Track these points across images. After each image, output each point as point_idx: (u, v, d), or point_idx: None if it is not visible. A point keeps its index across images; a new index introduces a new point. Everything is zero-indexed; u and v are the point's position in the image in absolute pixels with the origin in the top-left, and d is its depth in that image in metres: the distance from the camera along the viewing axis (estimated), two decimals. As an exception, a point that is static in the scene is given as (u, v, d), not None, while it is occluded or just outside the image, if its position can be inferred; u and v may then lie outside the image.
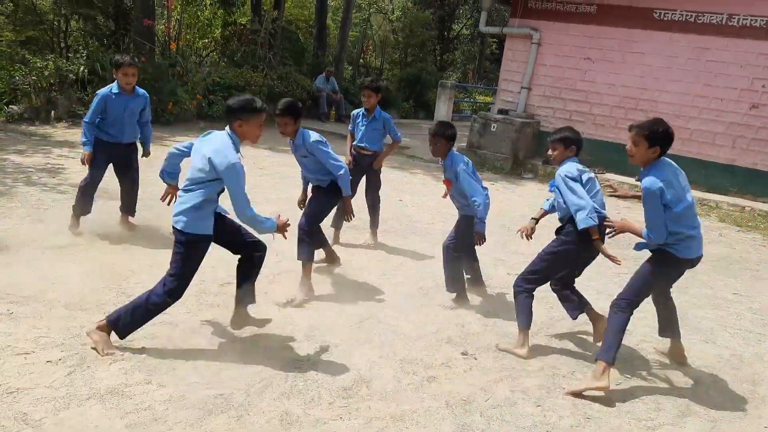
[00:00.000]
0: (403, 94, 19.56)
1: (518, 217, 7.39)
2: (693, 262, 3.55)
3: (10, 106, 9.78)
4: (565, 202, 3.74)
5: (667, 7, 9.80)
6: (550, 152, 3.94)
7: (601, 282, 5.22)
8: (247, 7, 16.65)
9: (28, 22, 13.66)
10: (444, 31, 25.33)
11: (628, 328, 3.93)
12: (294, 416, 2.96)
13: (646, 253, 3.59)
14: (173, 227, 3.34)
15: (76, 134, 8.73)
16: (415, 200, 7.95)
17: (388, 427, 2.96)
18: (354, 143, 5.79)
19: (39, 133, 9.09)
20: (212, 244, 3.46)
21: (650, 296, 3.75)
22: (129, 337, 3.49)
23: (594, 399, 3.42)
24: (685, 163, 3.99)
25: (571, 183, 3.69)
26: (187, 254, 3.33)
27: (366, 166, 5.77)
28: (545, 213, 4.24)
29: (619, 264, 3.66)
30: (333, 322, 3.96)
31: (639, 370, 3.85)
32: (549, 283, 4.04)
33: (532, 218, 4.26)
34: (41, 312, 3.70)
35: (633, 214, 7.82)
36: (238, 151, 3.27)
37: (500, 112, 11.37)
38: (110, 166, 5.33)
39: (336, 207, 5.03)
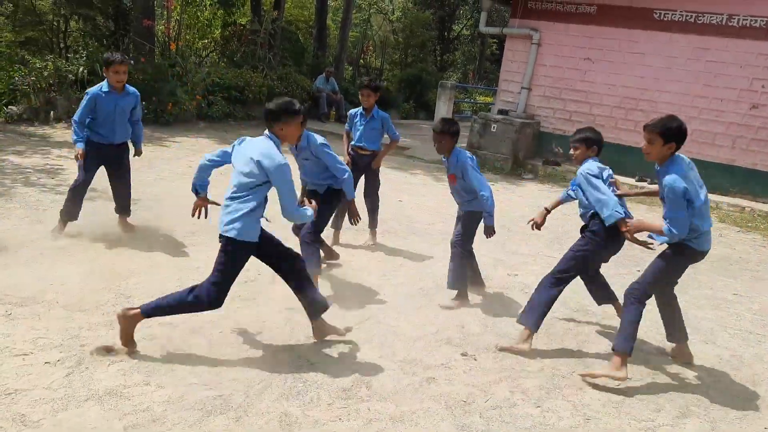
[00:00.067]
0: (403, 95, 19.56)
1: (518, 217, 7.38)
2: (704, 254, 3.65)
3: (9, 106, 9.77)
4: (587, 200, 3.84)
5: (667, 8, 9.80)
6: (571, 151, 4.03)
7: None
8: (246, 8, 16.64)
9: (27, 22, 13.65)
10: (444, 32, 25.34)
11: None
12: (293, 417, 2.95)
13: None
14: (223, 236, 3.31)
15: (76, 135, 8.73)
16: (414, 201, 7.95)
17: (387, 428, 2.95)
18: (352, 143, 5.78)
19: (38, 133, 9.08)
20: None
21: (655, 298, 3.80)
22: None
23: (593, 399, 3.41)
24: (684, 164, 3.99)
25: (594, 180, 3.78)
26: (233, 263, 3.32)
27: (364, 166, 5.77)
28: (559, 202, 4.35)
29: (653, 248, 3.73)
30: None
31: (638, 370, 3.84)
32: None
33: (545, 208, 4.35)
34: (40, 313, 3.69)
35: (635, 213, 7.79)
36: (281, 153, 3.29)
37: (500, 112, 11.37)
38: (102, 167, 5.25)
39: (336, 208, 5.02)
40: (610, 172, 3.93)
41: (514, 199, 8.53)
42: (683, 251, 3.58)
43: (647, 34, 10.01)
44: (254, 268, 4.85)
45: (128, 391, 3.00)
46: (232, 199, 3.31)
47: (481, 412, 3.18)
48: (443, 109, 13.67)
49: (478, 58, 27.18)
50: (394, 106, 17.94)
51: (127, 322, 3.30)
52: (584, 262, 3.95)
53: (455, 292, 4.60)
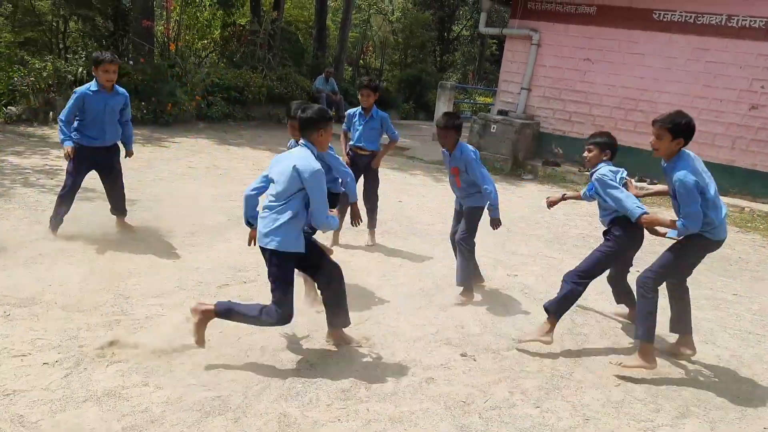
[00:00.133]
0: (403, 95, 19.58)
1: (518, 218, 7.38)
2: (720, 244, 3.70)
3: (8, 107, 9.78)
4: (606, 202, 3.91)
5: (667, 8, 9.80)
6: (585, 153, 4.07)
7: (603, 282, 5.20)
8: (246, 8, 16.66)
9: (26, 23, 13.67)
10: (444, 32, 25.36)
11: (627, 330, 4.14)
12: (292, 418, 2.94)
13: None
14: (264, 249, 3.31)
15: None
16: (414, 201, 7.94)
17: (386, 429, 2.94)
18: (351, 143, 5.78)
19: (37, 134, 9.09)
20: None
21: (667, 292, 3.91)
22: (126, 340, 3.49)
23: (593, 399, 3.41)
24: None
25: (609, 183, 3.84)
26: (284, 273, 3.32)
27: (363, 166, 5.76)
28: (577, 197, 4.41)
29: (675, 238, 3.79)
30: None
31: (638, 370, 3.83)
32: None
33: (563, 194, 4.43)
34: (38, 314, 3.69)
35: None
36: (317, 159, 3.32)
37: (500, 113, 11.37)
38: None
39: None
40: (624, 173, 3.98)
41: (513, 200, 8.52)
42: (697, 241, 3.64)
43: (647, 34, 10.01)
44: (253, 268, 4.86)
45: (127, 392, 2.99)
46: (269, 208, 3.31)
47: (480, 413, 3.17)
48: (443, 109, 13.64)
49: (477, 59, 27.20)
50: (394, 106, 17.95)
51: (202, 316, 3.32)
52: (607, 262, 4.04)
53: (456, 290, 4.62)
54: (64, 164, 6.70)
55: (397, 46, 24.07)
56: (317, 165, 3.24)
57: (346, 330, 3.75)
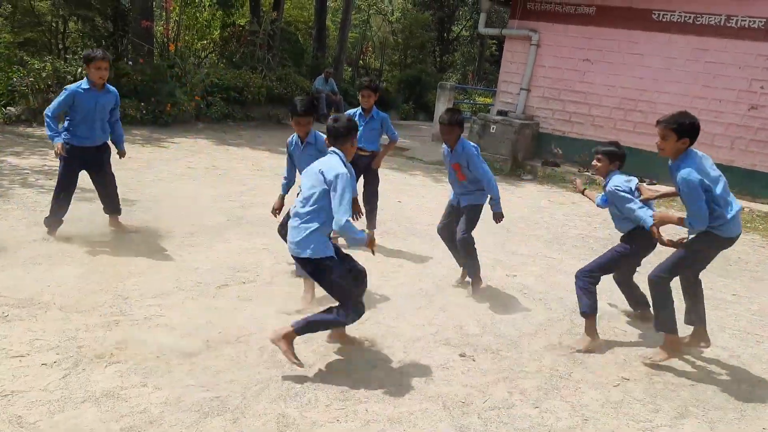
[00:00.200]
0: (402, 96, 19.58)
1: (517, 218, 7.38)
2: (733, 241, 3.74)
3: (7, 107, 9.77)
4: (621, 212, 4.03)
5: (666, 9, 9.79)
6: (594, 162, 4.16)
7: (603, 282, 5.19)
8: (245, 9, 16.67)
9: (26, 23, 13.66)
10: (443, 33, 25.37)
11: (625, 330, 4.23)
12: (290, 419, 2.94)
13: None
14: (299, 258, 3.35)
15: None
16: (414, 202, 7.94)
17: (385, 430, 2.94)
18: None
19: (36, 134, 9.08)
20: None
21: (681, 286, 4.00)
22: (125, 340, 3.49)
23: (592, 400, 3.41)
24: (683, 164, 4.02)
25: (623, 196, 3.94)
26: (330, 274, 3.34)
27: (363, 166, 5.76)
28: (592, 198, 4.48)
29: (677, 246, 3.85)
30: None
31: (637, 370, 3.83)
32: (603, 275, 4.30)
33: (585, 189, 4.56)
34: (36, 314, 3.68)
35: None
36: (346, 166, 3.37)
37: (499, 113, 11.37)
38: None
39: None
40: (636, 182, 4.09)
41: (513, 200, 8.52)
42: (708, 239, 3.69)
43: (646, 35, 10.00)
44: (253, 269, 4.86)
45: (125, 392, 2.99)
46: (297, 215, 3.35)
47: (479, 413, 3.17)
48: (443, 110, 13.62)
49: (477, 59, 27.21)
50: (394, 107, 17.96)
51: (286, 341, 3.30)
52: (619, 263, 4.18)
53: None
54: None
55: (397, 47, 24.07)
56: (344, 169, 3.30)
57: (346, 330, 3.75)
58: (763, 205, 9.12)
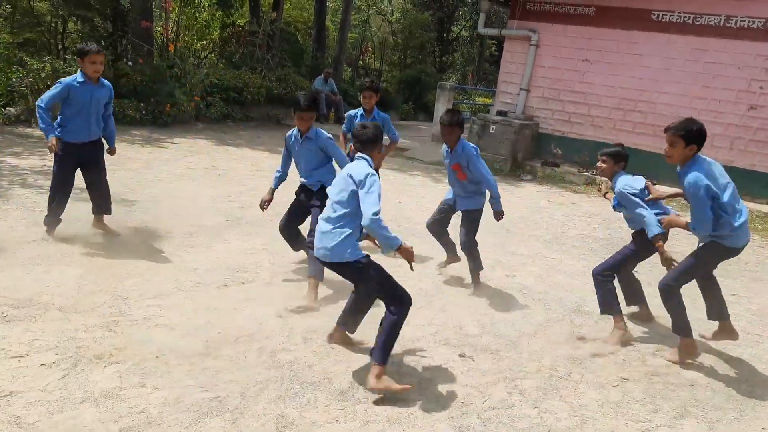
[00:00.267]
0: (402, 96, 19.57)
1: (517, 218, 7.38)
2: (739, 251, 3.78)
3: (6, 108, 9.76)
4: (631, 213, 4.08)
5: (666, 9, 9.80)
6: (599, 164, 4.23)
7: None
8: (245, 9, 16.67)
9: (25, 24, 13.65)
10: (443, 33, 25.37)
11: (626, 330, 4.18)
12: (290, 419, 2.94)
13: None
14: (337, 264, 3.34)
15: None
16: (414, 202, 7.93)
17: (384, 430, 2.94)
18: (351, 143, 5.78)
19: (35, 135, 9.06)
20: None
21: (698, 286, 4.06)
22: (125, 340, 3.49)
23: (591, 400, 3.41)
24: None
25: (632, 199, 4.00)
26: (369, 274, 3.34)
27: (364, 167, 5.77)
28: (610, 198, 4.51)
29: (675, 264, 3.89)
30: (330, 325, 3.93)
31: (636, 371, 3.83)
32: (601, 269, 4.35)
33: (607, 193, 4.62)
34: (35, 315, 3.68)
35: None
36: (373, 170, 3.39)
37: (499, 113, 11.37)
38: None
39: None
40: (643, 180, 4.14)
41: (513, 200, 8.52)
42: (714, 250, 3.74)
43: (645, 35, 10.00)
44: (252, 269, 4.86)
45: (124, 393, 2.99)
46: (329, 220, 3.35)
47: (478, 413, 3.17)
48: (442, 110, 13.62)
49: (477, 60, 27.22)
50: (393, 107, 17.95)
51: (383, 381, 3.22)
52: (629, 261, 4.28)
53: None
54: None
55: (397, 47, 24.07)
56: (372, 172, 3.32)
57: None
58: (763, 205, 9.13)
